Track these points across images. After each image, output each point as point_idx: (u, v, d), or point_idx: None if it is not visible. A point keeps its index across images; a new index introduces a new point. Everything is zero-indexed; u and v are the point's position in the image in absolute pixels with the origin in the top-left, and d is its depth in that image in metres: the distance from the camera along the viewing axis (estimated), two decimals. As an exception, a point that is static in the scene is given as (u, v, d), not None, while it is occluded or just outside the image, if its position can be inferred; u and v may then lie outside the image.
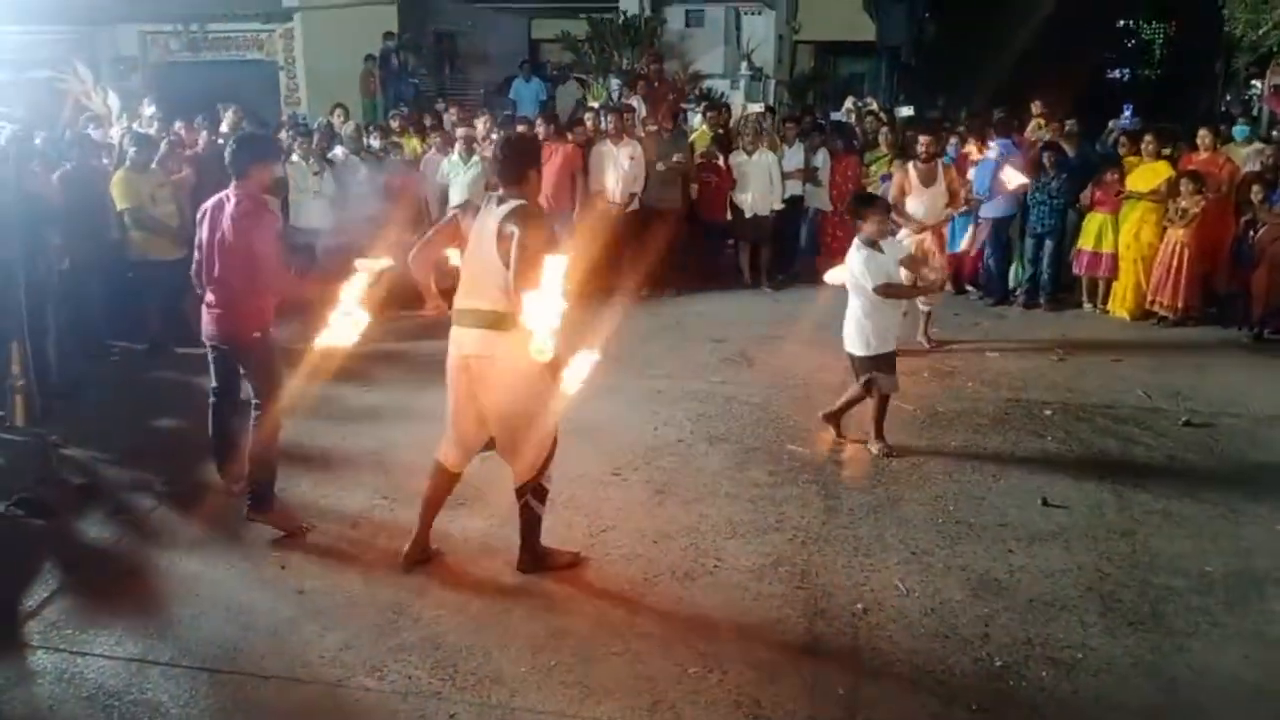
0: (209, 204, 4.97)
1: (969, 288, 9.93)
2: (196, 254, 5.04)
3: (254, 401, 4.94)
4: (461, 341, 4.22)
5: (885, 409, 5.85)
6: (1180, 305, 8.60)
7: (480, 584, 4.34)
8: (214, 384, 5.22)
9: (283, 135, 9.72)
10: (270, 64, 14.52)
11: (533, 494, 4.35)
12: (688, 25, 17.06)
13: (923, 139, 7.87)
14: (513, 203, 4.08)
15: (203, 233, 4.93)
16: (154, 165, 8.22)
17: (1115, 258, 9.01)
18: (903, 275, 5.78)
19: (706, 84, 15.34)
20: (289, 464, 5.67)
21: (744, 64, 16.69)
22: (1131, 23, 43.24)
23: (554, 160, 9.55)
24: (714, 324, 8.64)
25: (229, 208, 4.78)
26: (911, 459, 5.73)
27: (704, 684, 3.63)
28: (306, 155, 9.19)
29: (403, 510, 5.05)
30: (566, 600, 4.20)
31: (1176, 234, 8.55)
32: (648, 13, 16.04)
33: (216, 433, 5.30)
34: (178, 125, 9.63)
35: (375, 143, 10.09)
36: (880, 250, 5.66)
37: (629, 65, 14.63)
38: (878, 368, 5.73)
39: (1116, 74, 43.11)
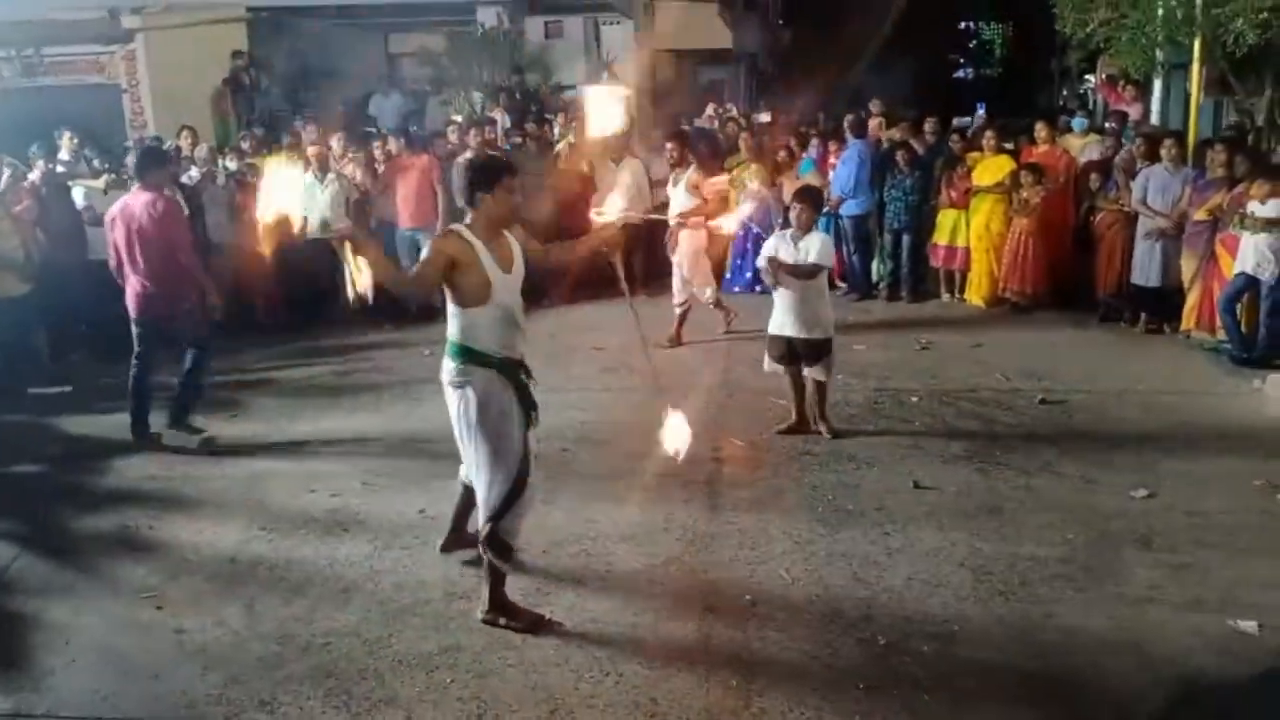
0: (115, 208, 6.17)
1: (838, 284, 10.24)
2: (113, 252, 6.14)
3: (193, 348, 6.27)
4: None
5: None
6: (1030, 291, 9.08)
7: (368, 608, 4.27)
8: (138, 352, 6.25)
9: (128, 160, 9.30)
10: (113, 87, 13.88)
11: (489, 545, 4.01)
12: (547, 37, 17.06)
13: (669, 145, 8.76)
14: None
15: (117, 233, 6.04)
16: (-8, 199, 7.80)
17: (969, 250, 9.45)
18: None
19: (568, 94, 15.39)
20: (160, 502, 5.49)
21: (604, 74, 16.81)
22: (973, 24, 45.38)
23: (410, 174, 9.48)
24: (591, 333, 8.69)
25: (140, 207, 5.96)
26: (789, 452, 5.89)
27: (600, 688, 3.65)
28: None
29: (282, 540, 4.93)
30: (459, 617, 4.16)
31: (1021, 223, 9.02)
32: (506, 25, 15.98)
33: (139, 393, 6.29)
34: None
35: (231, 164, 9.80)
36: (795, 244, 6.05)
37: (489, 78, 14.56)
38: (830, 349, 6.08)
39: (962, 73, 45.15)
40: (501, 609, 4.09)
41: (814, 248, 5.99)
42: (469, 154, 4.53)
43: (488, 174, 3.96)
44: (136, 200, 6.06)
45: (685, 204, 8.17)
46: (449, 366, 3.97)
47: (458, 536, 4.62)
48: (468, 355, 3.93)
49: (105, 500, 5.58)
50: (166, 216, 6.00)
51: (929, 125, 10.47)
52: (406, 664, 3.85)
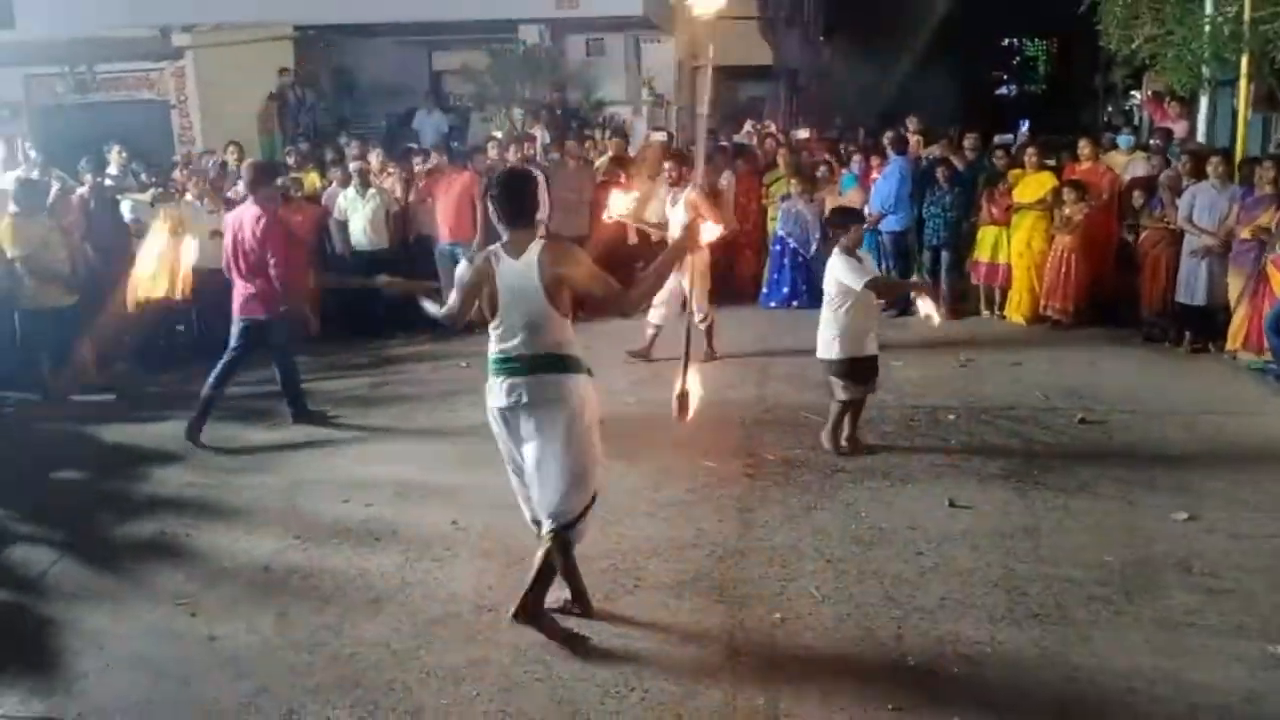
0: (230, 216, 6.94)
1: (877, 299, 10.17)
2: (225, 254, 6.68)
3: (275, 350, 6.90)
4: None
5: (845, 413, 6.06)
6: (1071, 309, 8.96)
7: (398, 619, 4.29)
8: (232, 348, 6.72)
9: (177, 175, 9.51)
10: (162, 103, 14.19)
11: (560, 548, 4.00)
12: (588, 54, 17.18)
13: (667, 164, 8.61)
14: (535, 245, 3.92)
15: (227, 239, 6.66)
16: (44, 211, 7.97)
17: (1010, 266, 9.35)
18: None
19: (610, 110, 15.48)
20: (198, 509, 5.57)
21: (645, 90, 16.89)
22: (1016, 41, 45.02)
23: (453, 189, 9.57)
24: (625, 346, 8.68)
25: (247, 219, 6.50)
26: (823, 468, 5.85)
27: (625, 703, 3.64)
28: (201, 194, 9.03)
29: (316, 549, 4.98)
30: (486, 629, 4.17)
31: (1064, 241, 8.91)
32: (548, 43, 16.12)
33: (216, 385, 6.66)
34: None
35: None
36: (859, 258, 5.94)
37: (531, 95, 14.68)
38: (853, 371, 5.95)
39: (1005, 90, 44.79)
40: (540, 613, 4.03)
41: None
42: (500, 171, 4.59)
43: (534, 186, 4.14)
44: (246, 212, 6.62)
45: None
46: (548, 379, 3.94)
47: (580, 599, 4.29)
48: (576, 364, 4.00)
49: (144, 507, 5.67)
50: (267, 230, 6.45)
51: (969, 142, 10.40)
52: (434, 676, 3.86)
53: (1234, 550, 4.66)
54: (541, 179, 6.22)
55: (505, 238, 3.98)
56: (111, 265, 8.58)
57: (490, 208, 4.06)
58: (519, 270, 3.88)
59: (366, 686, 3.80)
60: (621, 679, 3.78)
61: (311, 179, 10.31)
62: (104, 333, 8.46)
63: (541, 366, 3.93)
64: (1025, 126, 11.34)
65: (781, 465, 5.93)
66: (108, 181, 9.38)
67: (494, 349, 3.99)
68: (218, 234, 8.92)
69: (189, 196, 9.04)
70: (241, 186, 8.69)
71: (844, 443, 6.09)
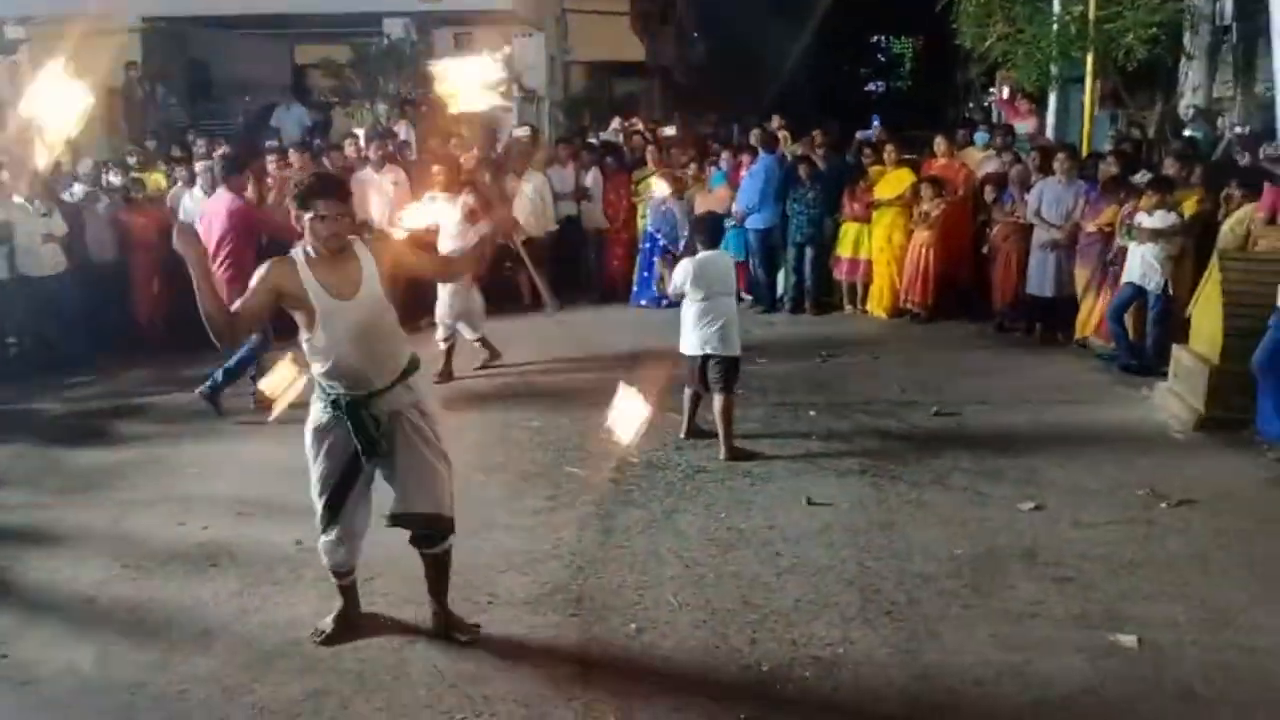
0: (205, 207, 7.47)
1: (743, 296, 10.22)
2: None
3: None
4: None
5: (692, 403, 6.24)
6: (929, 302, 9.16)
7: (232, 650, 4.03)
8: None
9: (3, 176, 8.88)
10: (-4, 101, 13.32)
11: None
12: (457, 47, 16.85)
13: (435, 168, 8.31)
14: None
15: (202, 227, 6.76)
16: None
17: (871, 262, 9.50)
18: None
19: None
20: (18, 538, 5.17)
21: (515, 86, 16.64)
22: (883, 38, 46.24)
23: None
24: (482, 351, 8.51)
25: (220, 206, 7.04)
26: (685, 469, 5.80)
27: (472, 729, 3.49)
28: (34, 195, 8.44)
29: (145, 578, 4.67)
30: (328, 657, 3.95)
31: (922, 236, 9.11)
32: (413, 37, 15.73)
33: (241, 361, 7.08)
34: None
35: (116, 179, 9.41)
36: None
37: (396, 90, 14.30)
38: (736, 368, 6.04)
39: (873, 86, 45.96)
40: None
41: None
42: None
43: (304, 195, 3.68)
44: (218, 203, 7.12)
45: (460, 231, 7.69)
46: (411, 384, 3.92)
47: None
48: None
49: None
50: (235, 217, 6.96)
51: (819, 139, 10.44)
52: (268, 712, 3.62)
53: (1077, 539, 4.79)
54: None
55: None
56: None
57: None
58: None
59: (193, 727, 3.56)
60: (469, 703, 3.63)
61: (156, 179, 9.78)
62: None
63: None
64: (877, 122, 11.55)
65: (645, 468, 5.85)
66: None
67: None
68: (51, 239, 8.43)
69: (17, 198, 8.45)
70: (202, 181, 8.62)
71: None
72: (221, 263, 6.84)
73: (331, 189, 3.73)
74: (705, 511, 5.24)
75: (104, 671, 3.93)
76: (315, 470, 3.94)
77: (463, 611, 4.22)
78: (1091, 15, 9.70)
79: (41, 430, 6.82)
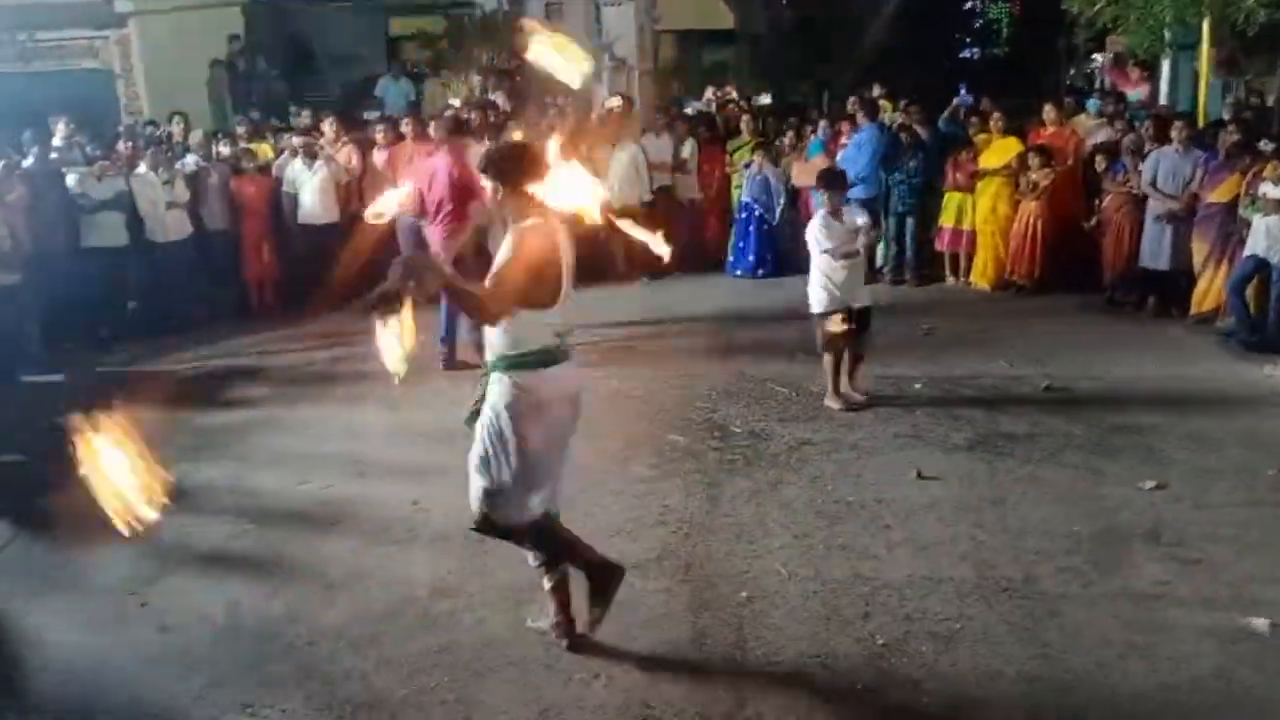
0: (422, 166, 7.67)
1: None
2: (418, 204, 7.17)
3: None
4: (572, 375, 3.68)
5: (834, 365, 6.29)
6: (1036, 274, 8.93)
7: (355, 606, 4.17)
8: None
9: (120, 146, 9.21)
10: (107, 72, 13.74)
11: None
12: (547, 18, 16.87)
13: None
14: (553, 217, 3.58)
15: (424, 186, 7.20)
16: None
17: (975, 232, 9.29)
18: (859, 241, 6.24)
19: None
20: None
21: (606, 56, 16.60)
22: (978, 4, 44.87)
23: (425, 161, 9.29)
24: (591, 318, 8.55)
25: (442, 166, 7.29)
26: (790, 441, 5.77)
27: (590, 690, 3.55)
28: (156, 165, 8.77)
29: (270, 534, 4.84)
30: (446, 616, 4.06)
31: (1029, 207, 8.86)
32: (506, 7, 15.79)
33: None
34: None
35: (225, 150, 9.69)
36: (840, 220, 6.21)
37: (489, 61, 14.38)
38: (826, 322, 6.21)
39: (967, 53, 44.69)
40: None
41: (860, 218, 6.29)
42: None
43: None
44: (439, 161, 7.39)
45: None
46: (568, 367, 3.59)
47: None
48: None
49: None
50: (455, 177, 7.15)
51: (914, 111, 10.15)
52: (392, 665, 3.75)
53: (1201, 520, 4.64)
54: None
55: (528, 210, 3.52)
56: (58, 240, 8.34)
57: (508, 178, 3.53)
58: (568, 245, 3.55)
59: (322, 678, 3.69)
60: (586, 665, 3.69)
61: (264, 149, 10.01)
62: (51, 312, 8.23)
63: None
64: (964, 90, 11.26)
65: (748, 438, 5.85)
66: (52, 155, 9.07)
67: (545, 333, 3.51)
68: (174, 206, 8.75)
69: (142, 169, 8.77)
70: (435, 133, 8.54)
71: (841, 398, 6.30)
72: (440, 219, 7.18)
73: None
74: (811, 483, 5.22)
75: (235, 622, 4.10)
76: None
77: (573, 576, 4.24)
78: (1210, -23, 9.27)
79: (164, 391, 7.06)
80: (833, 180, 6.40)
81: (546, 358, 3.52)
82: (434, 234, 7.26)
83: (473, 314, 3.64)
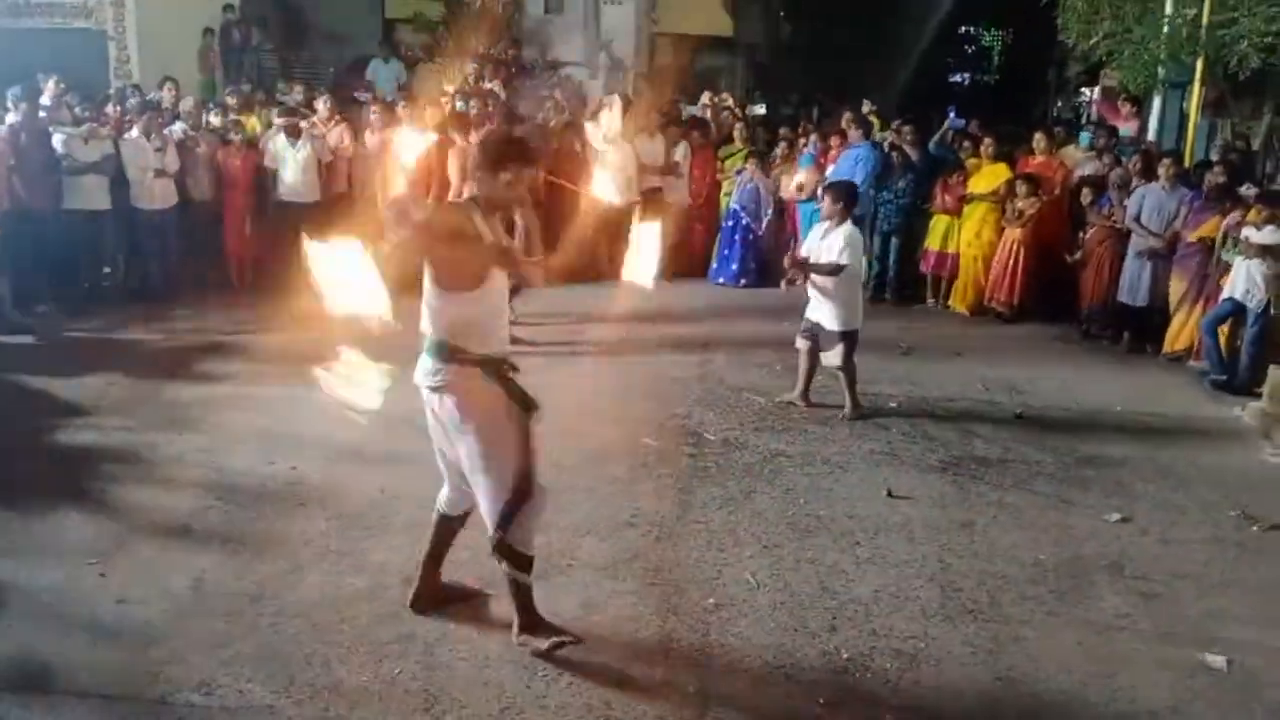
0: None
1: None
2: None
3: None
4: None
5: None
6: (1015, 302, 9.01)
7: (321, 589, 4.13)
8: None
9: (109, 110, 9.10)
10: (99, 33, 13.57)
11: (505, 558, 3.63)
12: (546, 11, 16.83)
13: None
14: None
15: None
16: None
17: (959, 256, 9.36)
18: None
19: (565, 71, 15.19)
20: (117, 464, 5.33)
21: (603, 54, 16.60)
22: (972, 29, 45.25)
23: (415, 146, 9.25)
24: (569, 318, 8.56)
25: None
26: (764, 451, 5.79)
27: (553, 688, 3.54)
28: (149, 131, 8.66)
29: (238, 512, 4.79)
30: (413, 604, 4.04)
31: (1013, 234, 8.94)
32: (506, -3, 15.74)
33: None
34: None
35: (215, 120, 9.60)
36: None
37: (486, 50, 14.33)
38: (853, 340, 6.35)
39: (958, 78, 45.06)
40: (534, 628, 3.71)
41: (837, 245, 6.22)
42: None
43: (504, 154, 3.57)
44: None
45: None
46: (429, 367, 3.57)
47: (432, 590, 3.99)
48: (449, 353, 3.52)
49: (57, 460, 5.43)
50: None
51: (906, 132, 10.20)
52: (355, 651, 3.72)
53: (1165, 554, 4.70)
54: None
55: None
56: (40, 199, 8.22)
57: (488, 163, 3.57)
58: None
59: (284, 660, 3.65)
60: (550, 663, 3.68)
61: (253, 123, 9.93)
62: (26, 273, 8.12)
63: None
64: (953, 113, 11.37)
65: (722, 446, 5.86)
66: (40, 113, 8.94)
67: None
68: (163, 174, 8.66)
69: (134, 133, 8.67)
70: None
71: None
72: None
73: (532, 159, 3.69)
74: (784, 495, 5.23)
75: (197, 598, 4.06)
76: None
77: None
78: (1205, 19, 9.40)
79: (136, 360, 7.00)
80: (832, 188, 6.51)
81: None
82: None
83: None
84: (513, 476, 3.53)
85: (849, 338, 6.33)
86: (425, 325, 3.57)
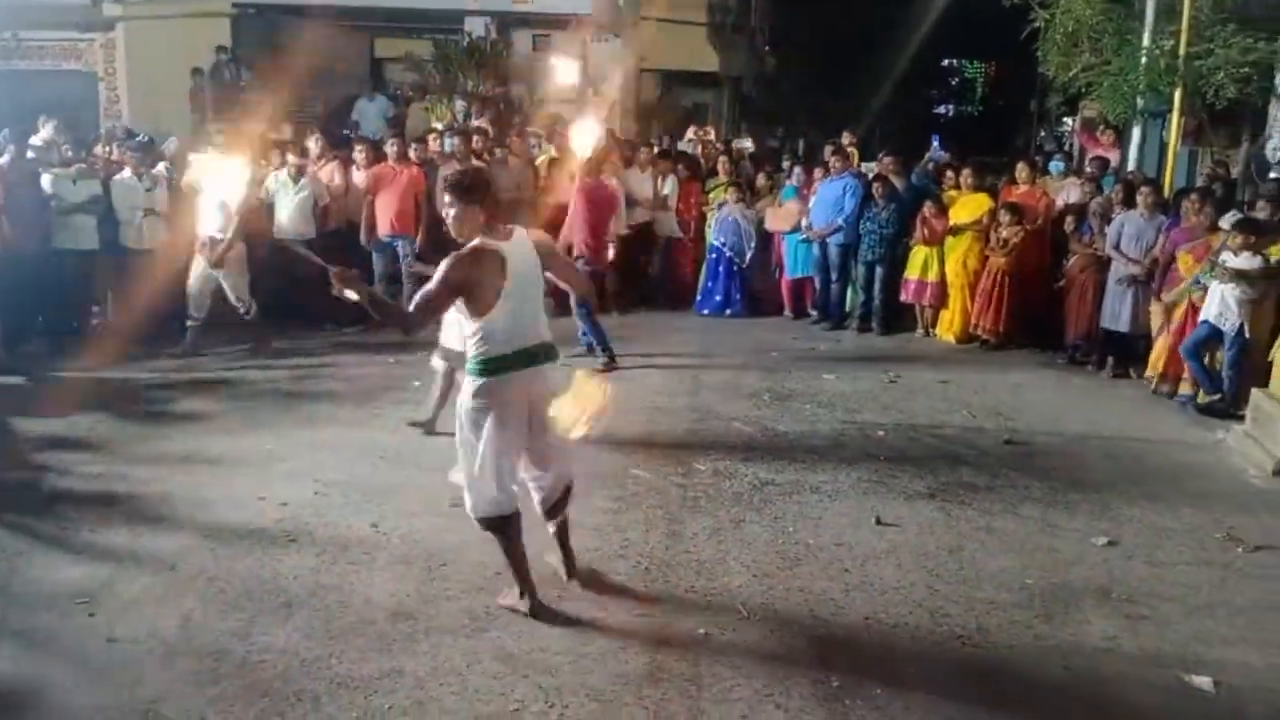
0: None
1: (810, 311, 10.24)
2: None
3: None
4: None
5: None
6: (1001, 330, 9.08)
7: (310, 625, 4.13)
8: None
9: (99, 150, 9.16)
10: (89, 75, 13.72)
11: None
12: (535, 49, 17.03)
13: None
14: (521, 233, 4.11)
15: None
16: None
17: (940, 285, 9.45)
18: None
19: (552, 109, 15.33)
20: (104, 504, 5.32)
21: (589, 91, 16.76)
22: (956, 62, 45.82)
23: (399, 182, 9.35)
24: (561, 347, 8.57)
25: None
26: (753, 481, 5.81)
27: (543, 720, 3.55)
28: (139, 171, 8.72)
29: (225, 549, 4.78)
30: (402, 639, 4.03)
31: (998, 262, 9.03)
32: (494, 35, 15.92)
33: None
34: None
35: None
36: None
37: (475, 88, 14.48)
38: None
39: (942, 109, 45.56)
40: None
41: None
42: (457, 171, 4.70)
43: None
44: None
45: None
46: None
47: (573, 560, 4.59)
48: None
49: (46, 499, 5.41)
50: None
51: (890, 163, 10.34)
52: (345, 686, 3.71)
53: (1151, 578, 4.72)
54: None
55: (484, 231, 3.97)
56: (29, 240, 8.25)
57: (461, 202, 3.97)
58: (525, 258, 4.00)
59: (273, 696, 3.64)
60: (539, 694, 3.68)
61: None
62: (15, 313, 8.13)
63: (553, 354, 4.20)
64: (937, 143, 11.53)
65: (711, 476, 5.88)
66: (29, 154, 8.99)
67: (497, 345, 3.98)
68: (151, 213, 8.69)
69: (126, 173, 8.72)
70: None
71: None
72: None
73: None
74: (773, 524, 5.25)
75: (186, 636, 4.05)
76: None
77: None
78: (1182, 51, 9.56)
79: (124, 399, 7.01)
80: None
81: (501, 364, 3.98)
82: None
83: (393, 325, 4.13)
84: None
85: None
86: (545, 333, 4.16)
